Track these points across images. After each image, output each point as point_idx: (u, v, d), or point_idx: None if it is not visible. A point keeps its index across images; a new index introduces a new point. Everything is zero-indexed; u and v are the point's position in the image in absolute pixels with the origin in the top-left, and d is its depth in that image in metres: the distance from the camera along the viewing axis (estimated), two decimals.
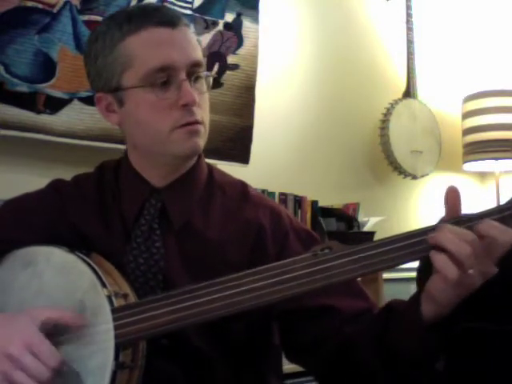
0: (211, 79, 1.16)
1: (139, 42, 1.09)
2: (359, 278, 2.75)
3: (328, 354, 1.07)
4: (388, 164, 3.12)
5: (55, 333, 1.01)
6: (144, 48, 1.08)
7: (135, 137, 1.15)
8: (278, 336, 1.18)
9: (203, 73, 1.13)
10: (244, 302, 0.95)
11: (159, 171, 1.17)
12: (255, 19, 2.64)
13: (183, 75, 1.08)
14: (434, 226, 0.89)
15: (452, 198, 0.88)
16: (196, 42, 1.14)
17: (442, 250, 0.85)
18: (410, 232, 0.90)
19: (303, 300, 1.07)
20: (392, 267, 0.91)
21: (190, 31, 1.14)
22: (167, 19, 1.10)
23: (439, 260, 0.85)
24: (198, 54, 1.13)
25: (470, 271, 0.84)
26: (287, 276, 0.94)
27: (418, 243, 0.88)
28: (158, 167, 1.17)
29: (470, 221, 0.86)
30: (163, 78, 1.08)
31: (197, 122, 1.10)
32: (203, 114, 1.12)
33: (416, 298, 0.93)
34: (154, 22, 1.09)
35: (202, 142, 1.12)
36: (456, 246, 0.83)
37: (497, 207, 0.87)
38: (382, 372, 0.99)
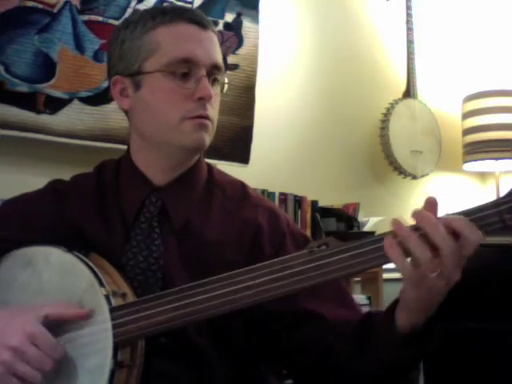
0: (226, 86, 1.20)
1: (169, 32, 1.13)
2: (358, 278, 2.75)
3: (309, 361, 1.08)
4: (388, 164, 3.12)
5: (54, 332, 1.01)
6: (172, 38, 1.13)
7: (144, 123, 1.16)
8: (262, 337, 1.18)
9: (221, 76, 1.17)
10: (242, 299, 0.95)
11: (161, 165, 1.17)
12: (255, 19, 2.64)
13: (203, 72, 1.12)
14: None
15: (428, 207, 0.88)
16: (220, 49, 1.18)
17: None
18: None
19: (293, 303, 1.07)
20: (389, 262, 0.91)
21: (216, 38, 1.18)
22: (199, 20, 1.15)
23: (393, 255, 0.85)
24: (220, 59, 1.16)
25: (431, 275, 0.84)
26: (284, 273, 0.94)
27: None
28: (161, 160, 1.17)
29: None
30: (184, 69, 1.11)
31: (207, 117, 1.13)
32: (213, 113, 1.15)
33: (392, 309, 0.94)
34: (186, 18, 1.14)
35: (208, 138, 1.14)
36: (417, 248, 0.83)
37: (493, 201, 0.86)
38: (358, 381, 1.00)
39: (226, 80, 1.19)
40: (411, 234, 0.85)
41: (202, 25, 1.15)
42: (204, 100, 1.11)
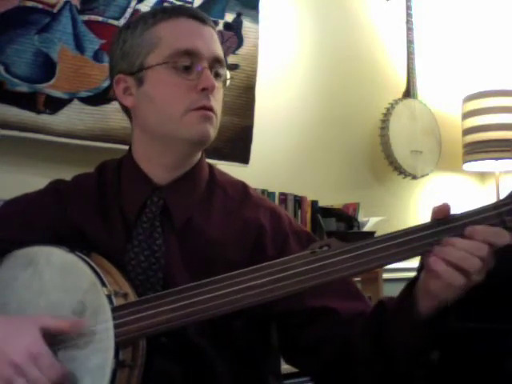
0: (228, 81, 1.20)
1: (169, 27, 1.14)
2: (358, 278, 2.75)
3: (327, 355, 1.08)
4: (388, 164, 3.12)
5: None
6: (173, 32, 1.14)
7: (148, 117, 1.16)
8: (277, 338, 1.18)
9: (222, 71, 1.17)
10: (243, 300, 0.95)
11: (164, 162, 1.17)
12: (255, 19, 2.64)
13: (205, 63, 1.13)
14: (431, 222, 0.89)
15: (443, 213, 0.89)
16: (220, 45, 1.18)
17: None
18: (409, 228, 0.90)
19: (302, 301, 1.08)
20: (391, 263, 0.92)
21: (216, 35, 1.19)
22: (199, 15, 1.16)
23: (444, 272, 0.86)
24: (221, 53, 1.17)
25: (478, 278, 0.86)
26: (286, 273, 0.94)
27: (417, 240, 0.89)
28: (164, 156, 1.17)
29: (463, 219, 0.87)
30: (187, 62, 1.12)
31: (211, 109, 1.13)
32: (217, 105, 1.15)
33: (408, 294, 0.94)
34: (186, 14, 1.16)
35: (212, 130, 1.14)
36: (467, 262, 0.85)
37: (492, 204, 0.87)
38: (380, 370, 1.00)
39: (229, 75, 1.19)
40: (457, 252, 0.86)
41: (202, 20, 1.16)
42: (207, 90, 1.11)
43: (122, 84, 1.17)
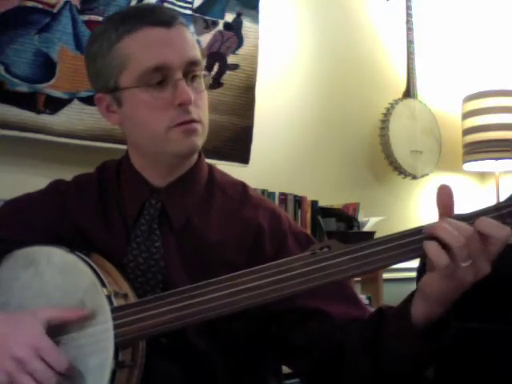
0: (209, 78, 1.15)
1: (134, 42, 1.09)
2: (359, 278, 2.75)
3: (319, 357, 1.08)
4: (388, 164, 3.12)
5: (56, 332, 1.01)
6: (139, 48, 1.08)
7: (134, 136, 1.16)
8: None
9: (200, 72, 1.13)
10: (243, 301, 0.95)
11: (159, 170, 1.17)
12: (255, 19, 2.64)
13: (179, 74, 1.08)
14: (433, 223, 0.89)
15: (444, 196, 0.88)
16: (193, 41, 1.13)
17: (436, 239, 0.85)
18: (409, 230, 0.90)
19: (295, 301, 1.07)
20: (391, 265, 0.92)
21: (187, 30, 1.13)
22: (162, 19, 1.09)
23: (430, 247, 0.85)
24: (195, 53, 1.12)
25: (463, 264, 0.84)
26: (286, 275, 0.94)
27: (417, 241, 0.89)
28: (158, 166, 1.17)
29: (466, 220, 0.87)
30: (158, 77, 1.08)
31: (193, 121, 1.09)
32: (200, 112, 1.11)
33: (406, 303, 0.94)
34: (148, 22, 1.09)
35: (199, 140, 1.12)
36: (449, 235, 0.84)
37: (494, 205, 0.87)
38: (373, 376, 1.00)
39: (207, 72, 1.14)
40: (443, 224, 0.85)
41: (167, 23, 1.09)
42: (185, 105, 1.08)
43: (103, 102, 1.15)
